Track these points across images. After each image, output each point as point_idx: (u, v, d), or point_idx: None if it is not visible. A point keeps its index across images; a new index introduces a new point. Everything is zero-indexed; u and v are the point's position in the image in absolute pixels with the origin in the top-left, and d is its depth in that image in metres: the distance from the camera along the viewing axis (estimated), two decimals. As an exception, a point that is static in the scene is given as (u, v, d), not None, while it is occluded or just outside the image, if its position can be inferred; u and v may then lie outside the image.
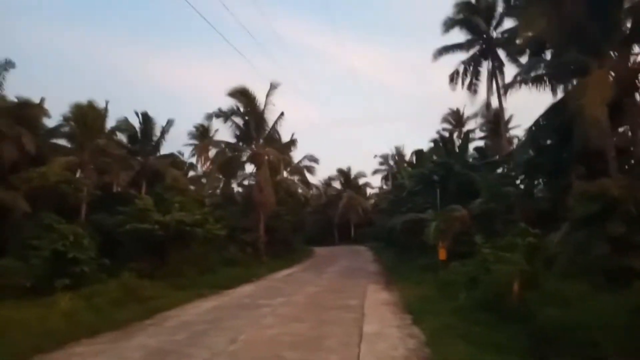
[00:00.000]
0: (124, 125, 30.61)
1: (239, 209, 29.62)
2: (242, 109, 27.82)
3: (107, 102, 26.56)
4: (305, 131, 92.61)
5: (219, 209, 31.70)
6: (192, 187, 33.13)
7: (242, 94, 27.35)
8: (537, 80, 14.40)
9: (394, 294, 13.17)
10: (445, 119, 54.22)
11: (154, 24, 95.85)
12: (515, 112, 31.92)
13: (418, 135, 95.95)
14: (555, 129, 14.33)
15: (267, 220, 28.96)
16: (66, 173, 20.72)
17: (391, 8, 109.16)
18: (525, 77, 14.73)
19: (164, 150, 31.39)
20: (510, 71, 27.51)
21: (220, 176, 32.82)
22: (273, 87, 27.80)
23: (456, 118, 53.40)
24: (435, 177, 20.72)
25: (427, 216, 15.74)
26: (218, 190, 36.14)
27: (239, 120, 28.30)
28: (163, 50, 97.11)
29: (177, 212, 18.04)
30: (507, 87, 14.61)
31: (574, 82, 13.62)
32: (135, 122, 30.20)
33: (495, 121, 46.69)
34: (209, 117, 27.60)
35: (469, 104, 29.25)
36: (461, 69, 28.41)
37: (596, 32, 12.48)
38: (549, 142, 15.38)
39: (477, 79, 28.38)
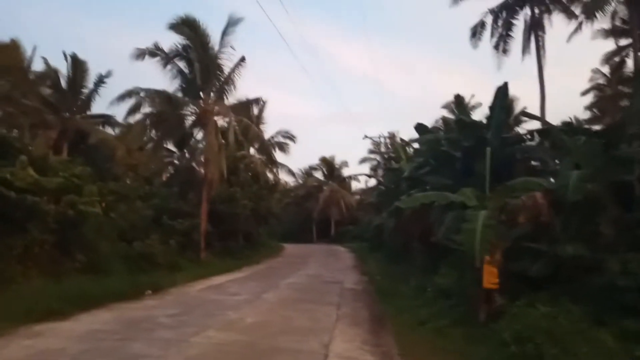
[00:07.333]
0: (46, 70, 23.35)
1: (176, 187, 21.82)
2: (188, 50, 20.06)
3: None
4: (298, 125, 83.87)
5: (165, 187, 24.30)
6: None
7: (188, 26, 19.58)
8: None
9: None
10: (447, 106, 47.25)
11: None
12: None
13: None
14: None
15: (215, 205, 21.34)
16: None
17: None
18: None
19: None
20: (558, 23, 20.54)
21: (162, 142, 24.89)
22: (232, 23, 20.18)
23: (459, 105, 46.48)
24: (456, 153, 13.40)
25: (463, 199, 8.14)
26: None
27: (184, 66, 20.59)
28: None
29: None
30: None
31: None
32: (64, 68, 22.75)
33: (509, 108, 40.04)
34: (140, 55, 19.49)
35: (496, 67, 21.60)
36: (489, 20, 21.23)
37: None
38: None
39: (509, 33, 21.15)
